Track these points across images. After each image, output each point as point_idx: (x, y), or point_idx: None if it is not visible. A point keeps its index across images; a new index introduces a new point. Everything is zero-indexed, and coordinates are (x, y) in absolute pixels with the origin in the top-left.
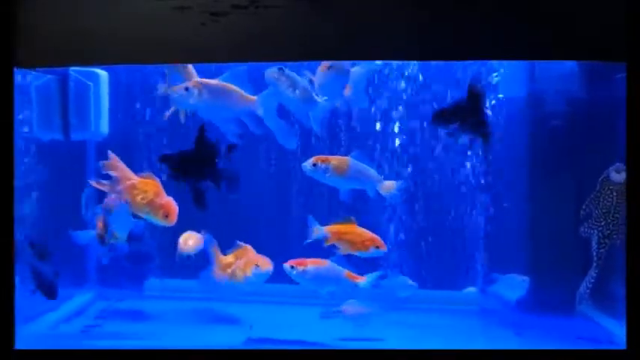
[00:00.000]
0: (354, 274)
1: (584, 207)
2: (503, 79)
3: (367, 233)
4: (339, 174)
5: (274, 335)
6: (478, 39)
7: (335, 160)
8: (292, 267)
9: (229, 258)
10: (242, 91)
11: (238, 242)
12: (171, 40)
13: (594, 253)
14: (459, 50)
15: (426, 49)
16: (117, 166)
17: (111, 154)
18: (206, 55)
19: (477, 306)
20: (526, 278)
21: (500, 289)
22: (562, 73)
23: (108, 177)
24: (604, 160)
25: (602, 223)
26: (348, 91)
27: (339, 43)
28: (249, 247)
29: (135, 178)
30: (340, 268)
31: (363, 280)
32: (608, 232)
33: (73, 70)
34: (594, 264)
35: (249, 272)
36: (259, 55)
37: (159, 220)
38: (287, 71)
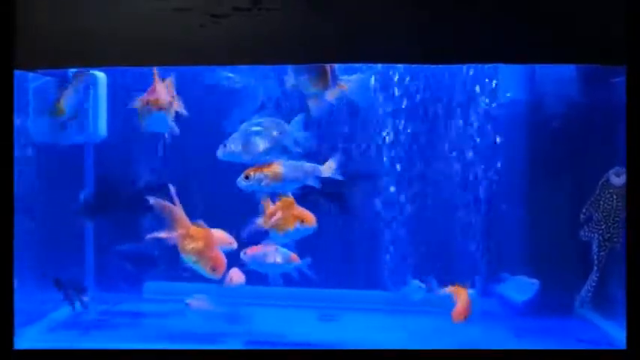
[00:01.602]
0: (295, 256)
1: (584, 210)
2: (504, 83)
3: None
4: (274, 179)
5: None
6: (477, 42)
7: (266, 167)
8: (244, 252)
9: (273, 210)
10: None
11: (285, 192)
12: (171, 42)
13: (595, 257)
14: (459, 53)
15: (427, 51)
16: (171, 209)
17: (173, 190)
18: (206, 57)
19: (475, 308)
20: (536, 281)
21: (508, 290)
22: (561, 76)
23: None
24: (604, 164)
25: (603, 227)
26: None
27: (339, 46)
28: (292, 199)
29: (188, 225)
30: (286, 250)
31: (297, 261)
32: (609, 235)
33: (72, 72)
34: (595, 267)
35: (291, 226)
36: (260, 57)
37: (205, 272)
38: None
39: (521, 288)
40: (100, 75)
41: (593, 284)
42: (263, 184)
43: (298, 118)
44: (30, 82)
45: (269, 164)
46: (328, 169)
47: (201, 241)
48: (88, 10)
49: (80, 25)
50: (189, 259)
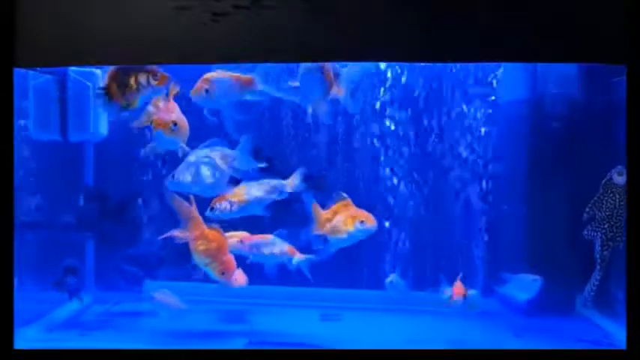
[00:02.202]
0: (294, 250)
1: (587, 210)
2: (506, 83)
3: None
4: (241, 203)
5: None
6: (478, 41)
7: (229, 195)
8: (241, 242)
9: (329, 214)
10: None
11: (339, 193)
12: (171, 41)
13: (597, 256)
14: (459, 52)
15: (426, 50)
16: (189, 211)
17: (191, 199)
18: (206, 56)
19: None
20: (537, 278)
21: (512, 290)
22: (562, 76)
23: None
24: (606, 163)
25: (605, 226)
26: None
27: (339, 44)
28: (349, 201)
29: (203, 227)
30: (283, 242)
31: (300, 257)
32: (612, 234)
33: (72, 70)
34: (598, 267)
35: (352, 227)
36: (260, 55)
37: (215, 275)
38: None
39: (524, 286)
40: (100, 73)
41: (596, 284)
42: (233, 210)
43: (244, 142)
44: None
45: (233, 191)
46: (292, 183)
47: (215, 243)
48: (88, 8)
49: (80, 24)
50: (200, 260)
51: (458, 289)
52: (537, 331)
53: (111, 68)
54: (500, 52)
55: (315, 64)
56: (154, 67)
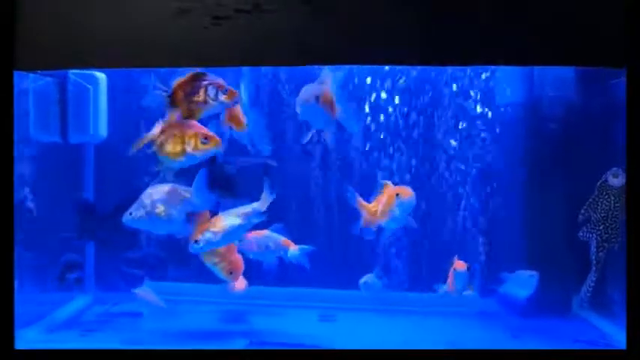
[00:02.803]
0: (289, 241)
1: (582, 211)
2: (503, 85)
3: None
4: (219, 232)
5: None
6: (477, 44)
7: (205, 225)
8: (240, 240)
9: (374, 205)
10: None
11: (382, 182)
12: (172, 44)
13: (593, 257)
14: (459, 55)
15: (427, 53)
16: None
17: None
18: (208, 59)
19: (474, 309)
20: (534, 273)
21: (511, 288)
22: (559, 78)
23: None
24: (602, 165)
25: (601, 227)
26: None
27: (341, 47)
28: (388, 182)
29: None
30: (278, 235)
31: (295, 248)
32: (607, 235)
33: (73, 72)
34: (593, 268)
35: (393, 206)
36: (262, 58)
37: (222, 274)
38: None
39: (522, 283)
40: (101, 76)
41: (592, 285)
42: (215, 241)
43: (199, 178)
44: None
45: (211, 221)
46: (264, 202)
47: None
48: (89, 11)
49: (81, 26)
50: (209, 260)
51: (459, 264)
52: (534, 331)
53: (181, 77)
54: (500, 56)
55: (311, 94)
56: (223, 81)
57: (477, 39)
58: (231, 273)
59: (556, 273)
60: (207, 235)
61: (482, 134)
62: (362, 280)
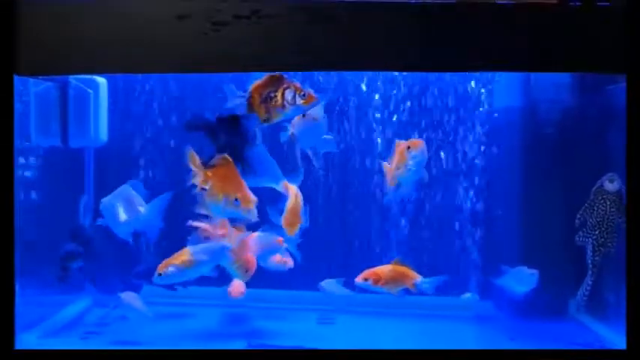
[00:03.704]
0: (282, 239)
1: (578, 216)
2: (500, 90)
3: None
4: (182, 267)
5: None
6: (477, 51)
7: (173, 259)
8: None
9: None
10: None
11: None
12: (172, 50)
13: (589, 261)
14: (459, 61)
15: (426, 59)
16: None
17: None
18: (207, 65)
19: (471, 312)
20: (535, 272)
21: (509, 282)
22: (555, 83)
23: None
24: (598, 170)
25: (597, 232)
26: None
27: (339, 53)
28: (400, 141)
29: (227, 225)
30: (272, 235)
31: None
32: (603, 240)
33: (73, 77)
34: (590, 272)
35: (406, 160)
36: (260, 65)
37: (235, 271)
38: None
39: (521, 279)
40: (101, 80)
41: (589, 288)
42: (176, 274)
43: (159, 200)
44: None
45: (177, 255)
46: (235, 239)
47: (239, 242)
48: (89, 16)
49: (81, 32)
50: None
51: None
52: (531, 334)
53: (258, 80)
54: (499, 62)
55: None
56: (300, 84)
57: (476, 45)
58: (246, 271)
59: (552, 276)
60: (170, 269)
61: (479, 140)
62: (322, 283)
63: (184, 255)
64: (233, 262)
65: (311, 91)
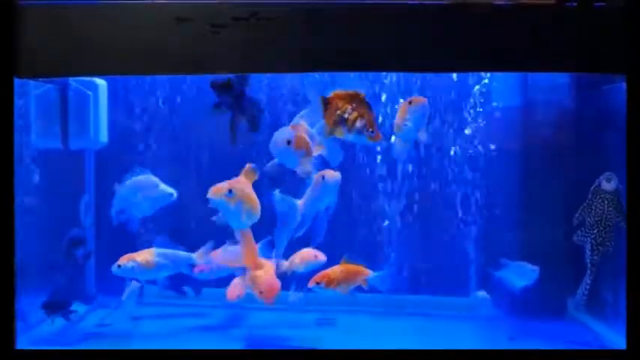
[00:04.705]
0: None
1: (577, 215)
2: (498, 89)
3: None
4: (145, 266)
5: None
6: (476, 51)
7: (138, 255)
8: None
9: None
10: None
11: None
12: (171, 52)
13: (588, 260)
14: (458, 62)
15: (425, 60)
16: (247, 237)
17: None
18: (206, 67)
19: (469, 312)
20: (536, 268)
21: (509, 275)
22: (553, 83)
23: None
24: (596, 169)
25: (595, 231)
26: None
27: (338, 55)
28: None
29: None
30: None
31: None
32: (601, 239)
33: (73, 79)
34: (588, 271)
35: (406, 117)
36: (259, 66)
37: (255, 294)
38: None
39: (521, 273)
40: (101, 82)
41: (588, 287)
42: (134, 270)
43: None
44: None
45: (144, 251)
46: (201, 255)
47: (267, 274)
48: (89, 19)
49: (81, 34)
50: (253, 288)
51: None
52: (530, 333)
53: (342, 90)
54: (499, 62)
55: (283, 139)
56: (374, 117)
57: (476, 45)
58: (268, 298)
59: (551, 276)
60: (130, 264)
61: (477, 139)
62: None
63: (148, 254)
64: (259, 291)
65: (378, 132)
